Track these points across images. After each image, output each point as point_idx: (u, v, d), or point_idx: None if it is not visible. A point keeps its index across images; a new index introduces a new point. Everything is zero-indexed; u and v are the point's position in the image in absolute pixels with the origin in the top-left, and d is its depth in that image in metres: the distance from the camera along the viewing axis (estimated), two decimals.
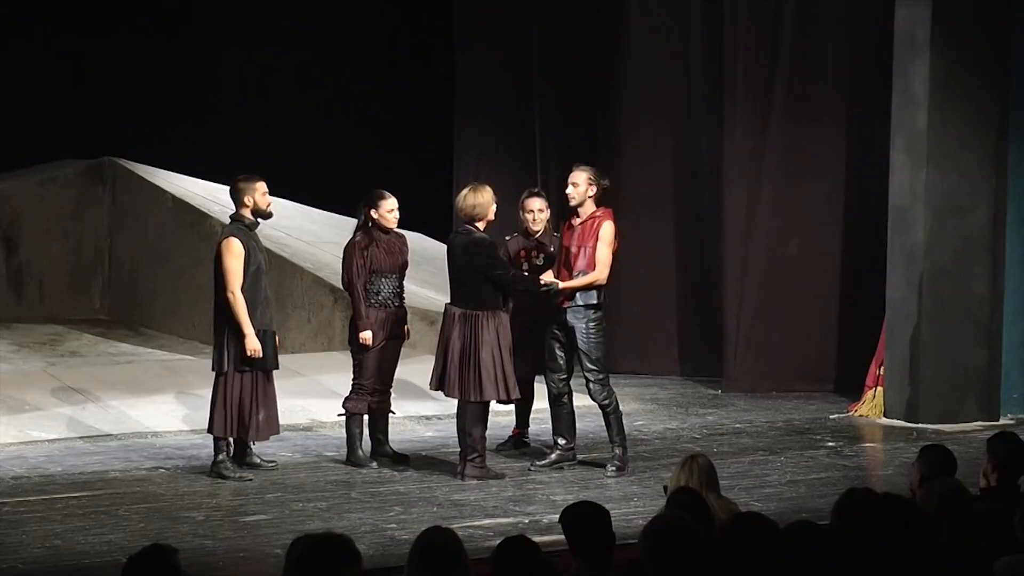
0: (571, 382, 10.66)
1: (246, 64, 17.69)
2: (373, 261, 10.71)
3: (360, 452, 10.73)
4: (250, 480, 10.24)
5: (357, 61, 17.94)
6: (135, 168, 16.41)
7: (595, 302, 10.47)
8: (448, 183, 17.03)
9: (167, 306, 15.75)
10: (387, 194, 10.83)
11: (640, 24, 14.92)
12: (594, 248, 10.43)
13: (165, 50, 17.22)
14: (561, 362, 10.56)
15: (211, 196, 15.75)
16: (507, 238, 11.16)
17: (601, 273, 10.43)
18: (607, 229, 10.46)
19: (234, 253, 10.24)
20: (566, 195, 10.54)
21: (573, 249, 10.48)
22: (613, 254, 10.50)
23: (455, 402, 12.60)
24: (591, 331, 10.44)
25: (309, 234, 15.71)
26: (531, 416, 11.38)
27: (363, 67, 17.96)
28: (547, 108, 15.62)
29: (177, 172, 16.39)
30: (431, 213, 16.80)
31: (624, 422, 10.71)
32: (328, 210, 16.40)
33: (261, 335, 10.26)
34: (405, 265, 10.88)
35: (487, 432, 10.40)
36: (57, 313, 16.18)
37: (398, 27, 18.03)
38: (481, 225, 10.25)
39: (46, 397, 12.06)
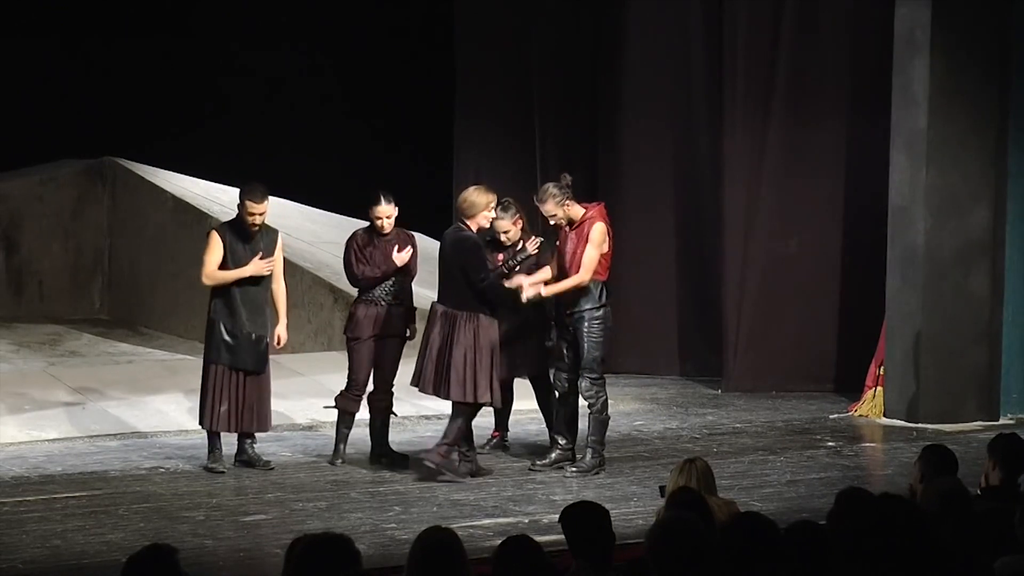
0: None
1: (246, 64, 17.69)
2: (372, 261, 10.70)
3: (338, 449, 10.73)
4: (222, 473, 10.33)
5: (357, 61, 17.95)
6: (135, 168, 16.42)
7: (597, 304, 10.47)
8: (448, 183, 17.02)
9: (167, 306, 15.76)
10: (381, 198, 10.72)
11: (640, 24, 14.91)
12: (584, 252, 10.43)
13: (165, 50, 17.22)
14: (568, 361, 10.56)
15: (211, 196, 15.76)
16: (487, 238, 11.20)
17: (583, 276, 10.39)
18: (597, 231, 10.45)
19: (208, 246, 10.50)
20: (552, 226, 10.58)
21: (567, 256, 10.49)
22: (608, 252, 10.49)
23: None
24: (593, 330, 10.44)
25: (309, 234, 15.71)
26: (510, 419, 11.38)
27: (363, 67, 17.96)
28: (547, 108, 15.61)
29: (177, 172, 16.39)
30: (431, 213, 16.80)
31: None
32: (328, 210, 16.41)
33: (240, 336, 10.33)
34: (408, 267, 10.83)
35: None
36: (57, 313, 16.19)
37: (398, 27, 18.03)
38: (472, 225, 10.24)
39: (46, 397, 12.07)
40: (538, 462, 10.68)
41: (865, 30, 13.64)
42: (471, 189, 10.43)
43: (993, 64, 12.63)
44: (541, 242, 10.96)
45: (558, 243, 10.64)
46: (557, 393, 10.69)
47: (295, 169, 16.81)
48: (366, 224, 10.93)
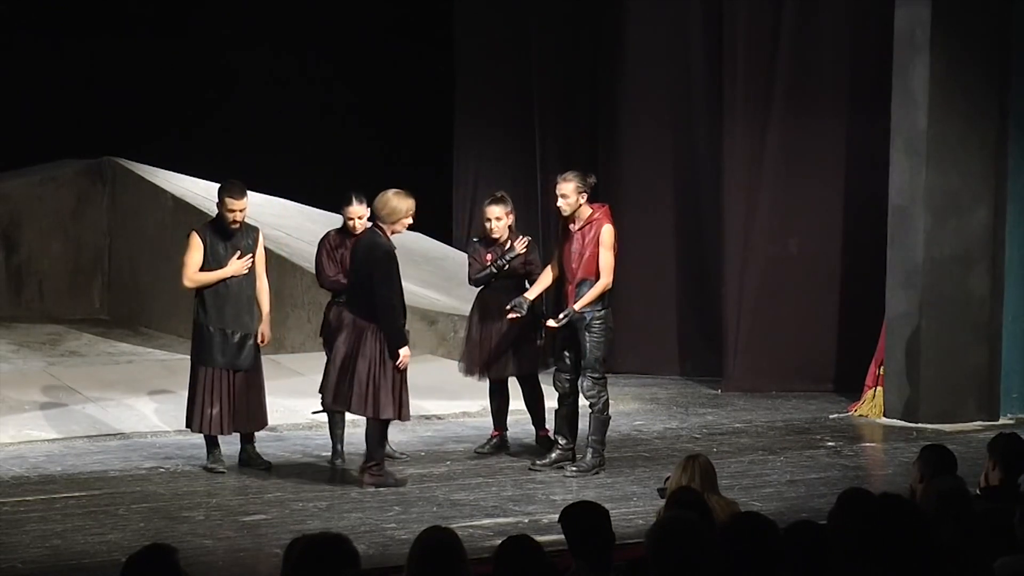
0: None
1: (246, 64, 17.70)
2: (344, 262, 10.68)
3: (336, 449, 10.75)
4: (222, 473, 10.34)
5: (357, 61, 17.95)
6: (135, 168, 16.41)
7: (599, 307, 10.46)
8: (448, 183, 17.03)
9: (167, 306, 15.75)
10: (353, 199, 10.68)
11: (640, 24, 14.91)
12: (594, 255, 10.40)
13: (165, 50, 17.22)
14: (568, 361, 10.56)
15: (211, 196, 15.69)
16: (475, 239, 11.20)
17: (607, 280, 10.42)
18: (607, 234, 10.44)
19: (189, 246, 10.54)
20: (557, 207, 10.55)
21: (573, 257, 10.45)
22: (614, 255, 10.50)
23: (453, 403, 12.62)
24: (594, 330, 10.43)
25: (309, 234, 15.70)
26: (509, 419, 11.35)
27: (363, 67, 17.96)
28: (547, 108, 15.62)
29: (177, 172, 16.39)
30: (431, 213, 16.77)
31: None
32: (328, 210, 16.39)
33: (222, 334, 10.33)
34: None
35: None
36: (57, 313, 16.18)
37: (398, 27, 18.03)
38: (389, 231, 9.97)
39: (46, 397, 12.07)
40: (538, 462, 10.68)
41: (865, 30, 13.64)
42: (391, 193, 10.04)
43: (993, 64, 12.63)
44: (529, 241, 10.98)
45: (563, 242, 10.59)
46: (557, 393, 10.68)
47: (295, 169, 16.81)
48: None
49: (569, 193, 10.43)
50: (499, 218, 10.94)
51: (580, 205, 10.44)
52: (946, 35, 12.44)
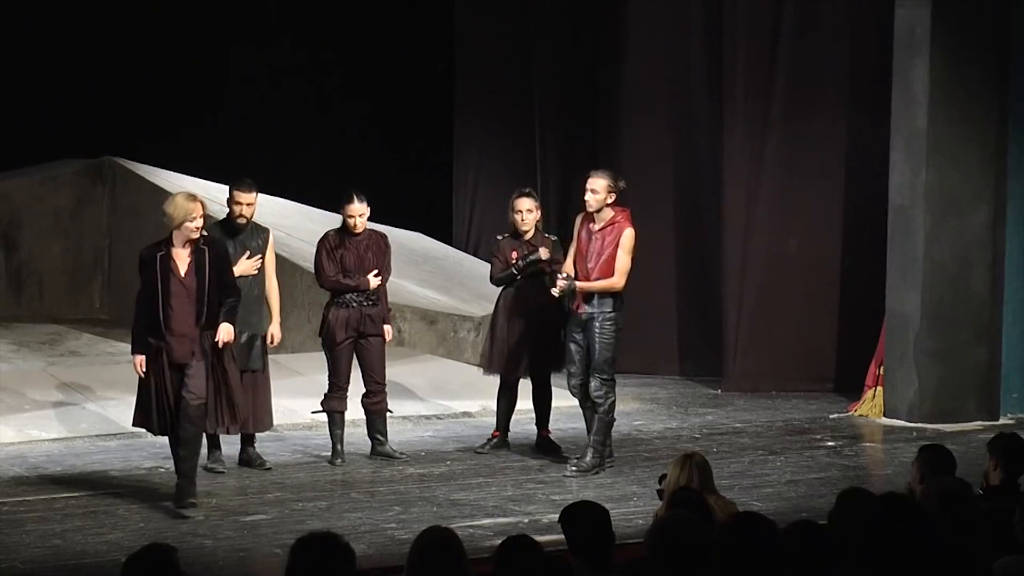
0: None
1: (247, 64, 17.69)
2: (343, 262, 10.68)
3: (336, 449, 10.74)
4: (222, 473, 10.32)
5: (357, 61, 17.95)
6: (135, 168, 16.40)
7: (610, 308, 10.45)
8: (448, 183, 17.03)
9: None
10: (353, 197, 10.69)
11: (640, 24, 14.91)
12: (612, 257, 10.41)
13: (166, 50, 17.22)
14: (579, 365, 10.52)
15: (211, 196, 15.72)
16: (499, 237, 11.17)
17: (619, 281, 10.42)
18: (628, 237, 10.45)
19: None
20: (584, 201, 10.52)
21: (591, 256, 10.44)
22: (632, 259, 10.50)
23: (453, 403, 12.63)
24: (604, 332, 10.42)
25: (309, 234, 15.69)
26: (513, 419, 11.33)
27: (363, 67, 17.96)
28: (547, 108, 15.62)
29: (177, 172, 16.39)
30: (431, 213, 16.80)
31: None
32: (328, 210, 16.39)
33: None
34: (380, 267, 10.81)
35: None
36: (57, 313, 16.17)
37: (398, 27, 18.03)
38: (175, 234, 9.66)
39: (46, 396, 12.07)
40: (571, 466, 10.55)
41: (865, 30, 13.64)
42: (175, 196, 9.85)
43: (993, 64, 12.63)
44: (554, 241, 10.96)
45: (578, 238, 10.56)
46: (577, 397, 10.61)
47: (295, 169, 16.81)
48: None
49: (600, 189, 10.44)
50: (530, 210, 10.95)
51: (606, 204, 10.44)
52: (946, 35, 12.44)
